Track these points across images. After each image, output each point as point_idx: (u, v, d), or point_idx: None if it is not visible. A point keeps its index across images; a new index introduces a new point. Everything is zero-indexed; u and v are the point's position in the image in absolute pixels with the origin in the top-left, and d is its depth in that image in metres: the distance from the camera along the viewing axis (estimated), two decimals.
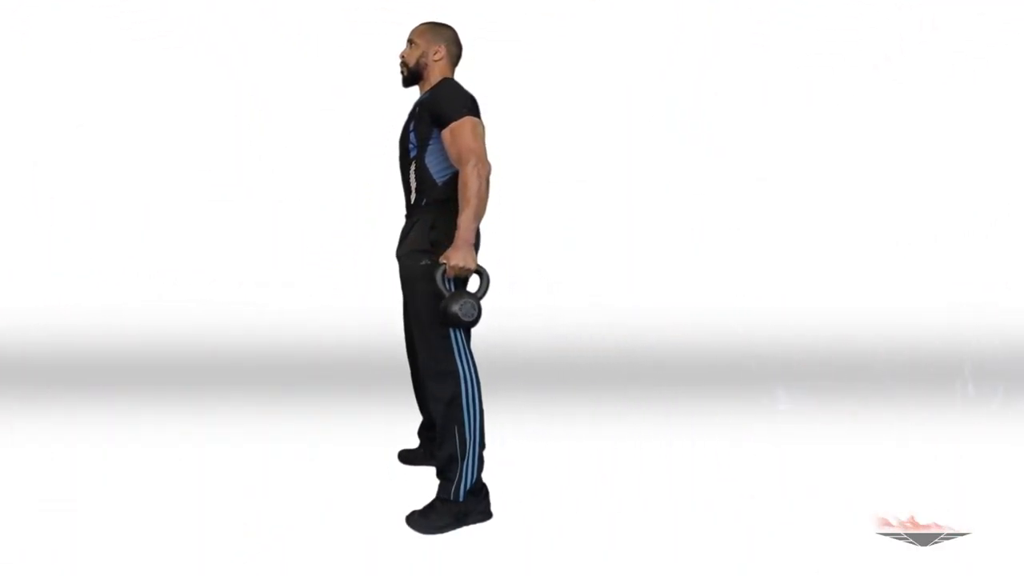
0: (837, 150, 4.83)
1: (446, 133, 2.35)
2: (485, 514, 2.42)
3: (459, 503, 2.37)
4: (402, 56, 2.58)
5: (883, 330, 4.50)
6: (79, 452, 3.03)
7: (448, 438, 2.37)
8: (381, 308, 3.60)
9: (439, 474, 2.42)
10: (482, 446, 2.40)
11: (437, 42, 2.53)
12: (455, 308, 2.24)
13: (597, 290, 4.61)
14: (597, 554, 2.23)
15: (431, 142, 2.40)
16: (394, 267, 2.77)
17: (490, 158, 2.38)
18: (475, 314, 2.26)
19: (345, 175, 4.65)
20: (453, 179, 2.40)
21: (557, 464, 2.91)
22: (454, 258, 2.25)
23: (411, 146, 2.46)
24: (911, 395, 3.74)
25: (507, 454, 2.76)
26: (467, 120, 2.33)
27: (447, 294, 2.28)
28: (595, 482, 2.75)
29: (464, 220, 2.26)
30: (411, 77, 2.57)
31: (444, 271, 2.29)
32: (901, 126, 4.79)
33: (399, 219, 2.82)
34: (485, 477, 2.44)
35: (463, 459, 2.36)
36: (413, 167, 2.46)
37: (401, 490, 2.58)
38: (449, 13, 4.72)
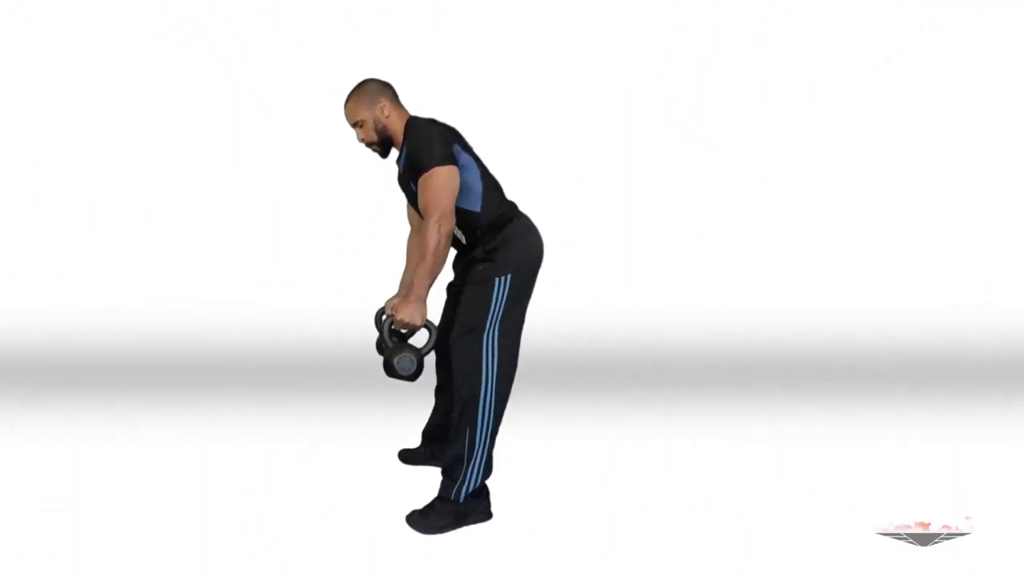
0: (837, 150, 4.83)
1: (420, 181, 2.30)
2: (485, 514, 2.42)
3: (459, 503, 2.37)
4: (362, 140, 2.48)
5: (883, 330, 4.50)
6: (79, 452, 3.03)
7: (458, 438, 2.37)
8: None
9: (444, 472, 2.42)
10: (490, 453, 2.40)
11: (374, 101, 2.43)
12: (394, 361, 2.22)
13: (597, 290, 4.61)
14: (597, 554, 2.23)
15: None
16: (395, 268, 2.77)
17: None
18: (413, 369, 2.23)
19: (345, 175, 4.64)
20: (486, 199, 2.38)
21: (557, 464, 2.91)
22: (401, 312, 2.25)
23: None
24: (911, 395, 3.74)
25: (507, 454, 2.76)
26: (435, 172, 2.27)
27: (390, 345, 2.30)
28: (595, 482, 2.75)
29: (420, 276, 2.24)
30: (384, 148, 2.48)
31: (390, 323, 2.31)
32: (901, 126, 4.79)
33: (398, 219, 2.82)
34: (491, 476, 2.44)
35: (469, 461, 2.37)
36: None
37: (401, 490, 2.58)
38: (449, 13, 4.73)
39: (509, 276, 2.35)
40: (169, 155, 4.80)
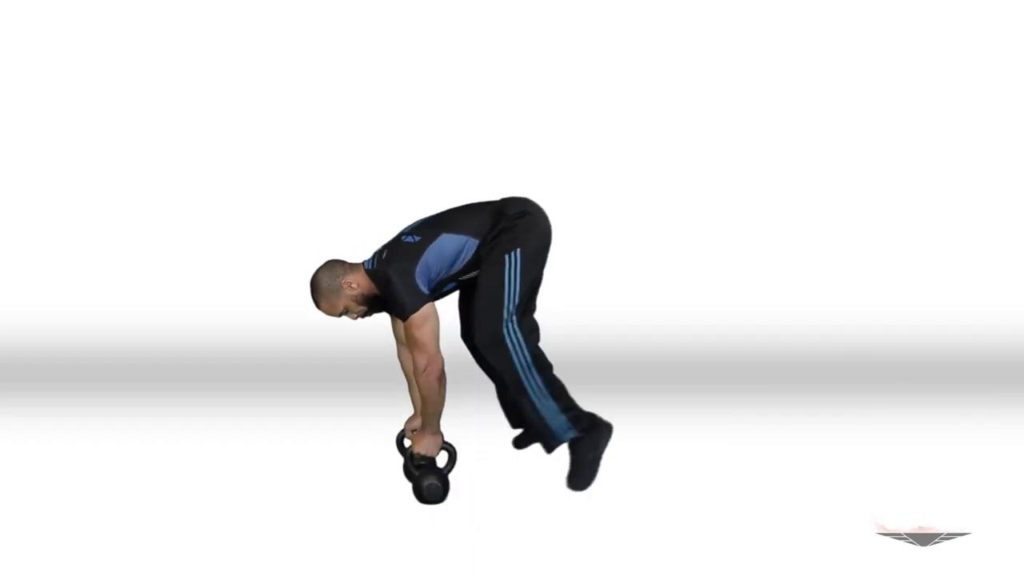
0: (837, 150, 4.83)
1: (404, 325, 2.49)
2: (607, 427, 2.61)
3: (575, 439, 2.53)
4: (356, 319, 2.59)
5: (884, 330, 4.50)
6: (79, 452, 3.03)
7: (523, 404, 2.52)
8: None
9: (544, 439, 2.59)
10: (554, 390, 2.54)
11: (338, 288, 2.52)
12: (423, 489, 2.51)
13: (597, 290, 4.60)
14: (596, 555, 2.23)
15: (435, 275, 2.49)
16: None
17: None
18: (439, 494, 2.52)
19: (345, 175, 4.64)
20: (477, 231, 2.51)
21: (556, 464, 2.90)
22: (419, 447, 2.56)
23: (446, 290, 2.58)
24: (911, 395, 3.74)
25: (506, 454, 2.77)
26: (412, 321, 2.44)
27: (415, 472, 2.55)
28: (594, 482, 2.75)
29: (427, 417, 2.54)
30: (379, 306, 2.58)
31: (411, 454, 2.59)
32: (901, 126, 4.78)
33: (399, 219, 2.82)
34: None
35: (538, 415, 2.51)
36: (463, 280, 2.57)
37: (401, 490, 2.59)
38: (450, 13, 4.72)
39: (518, 250, 2.47)
40: (169, 155, 4.79)
